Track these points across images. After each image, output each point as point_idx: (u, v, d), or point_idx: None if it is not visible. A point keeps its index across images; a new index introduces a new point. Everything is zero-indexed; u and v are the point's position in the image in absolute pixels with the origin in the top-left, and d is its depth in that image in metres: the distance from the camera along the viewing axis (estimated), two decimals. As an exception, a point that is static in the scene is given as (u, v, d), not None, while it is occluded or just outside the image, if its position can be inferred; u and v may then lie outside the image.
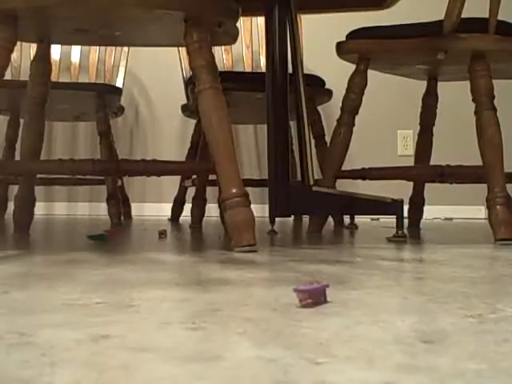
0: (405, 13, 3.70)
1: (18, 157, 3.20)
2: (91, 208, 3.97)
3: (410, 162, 3.53)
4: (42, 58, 1.97)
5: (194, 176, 2.81)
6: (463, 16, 1.86)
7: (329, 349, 0.53)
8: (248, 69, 3.38)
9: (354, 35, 2.04)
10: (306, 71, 2.15)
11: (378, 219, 3.42)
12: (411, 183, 2.65)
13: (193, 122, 3.36)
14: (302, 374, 0.46)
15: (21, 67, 3.34)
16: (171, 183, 3.84)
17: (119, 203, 2.95)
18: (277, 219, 3.10)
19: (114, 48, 3.36)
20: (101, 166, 1.68)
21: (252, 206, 1.54)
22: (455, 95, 3.67)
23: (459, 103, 3.73)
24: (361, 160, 3.80)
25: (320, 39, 3.81)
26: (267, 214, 3.71)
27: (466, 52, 1.90)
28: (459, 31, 1.87)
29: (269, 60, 1.88)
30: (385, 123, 3.85)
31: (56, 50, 3.31)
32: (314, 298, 0.76)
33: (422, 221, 3.28)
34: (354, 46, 2.02)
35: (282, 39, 1.87)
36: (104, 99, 2.91)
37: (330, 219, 3.08)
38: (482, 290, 0.88)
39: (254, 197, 3.79)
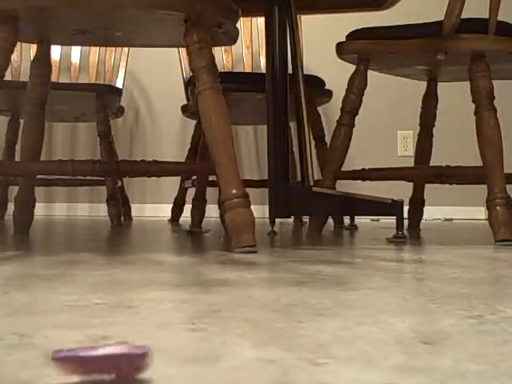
0: (405, 13, 3.70)
1: (18, 157, 3.20)
2: (91, 209, 3.97)
3: (410, 163, 3.53)
4: (42, 58, 1.97)
5: (194, 177, 2.81)
6: (463, 16, 1.86)
7: (329, 350, 0.53)
8: (248, 69, 3.38)
9: (353, 36, 2.04)
10: (305, 72, 2.15)
11: (378, 220, 3.42)
12: (411, 184, 2.65)
13: (193, 122, 3.36)
14: (302, 375, 0.46)
15: (21, 68, 3.34)
16: (171, 184, 3.84)
17: (119, 204, 2.95)
18: (277, 220, 3.10)
19: (113, 49, 3.36)
20: (101, 167, 1.68)
21: (252, 206, 1.54)
22: (455, 96, 3.67)
23: (459, 104, 3.73)
24: (361, 161, 3.80)
25: (320, 39, 3.81)
26: (267, 215, 3.71)
27: (465, 52, 1.90)
28: (459, 32, 1.87)
29: (269, 61, 1.88)
30: (385, 124, 3.85)
31: (56, 51, 3.31)
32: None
33: (422, 221, 3.28)
34: (353, 47, 2.02)
35: (281, 40, 1.87)
36: (104, 100, 2.91)
37: (330, 220, 3.08)
38: (482, 290, 0.88)
39: (253, 197, 3.79)
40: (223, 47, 3.35)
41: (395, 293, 0.86)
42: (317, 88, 2.86)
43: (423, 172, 2.18)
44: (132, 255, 1.39)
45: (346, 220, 2.99)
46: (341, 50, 2.05)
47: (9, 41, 1.58)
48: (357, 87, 2.05)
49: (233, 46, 3.35)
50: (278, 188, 1.85)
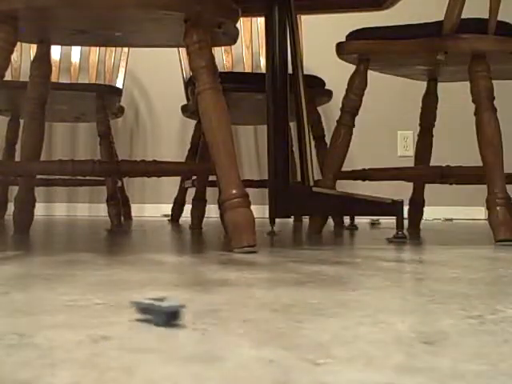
0: (405, 13, 3.70)
1: (18, 157, 3.20)
2: (91, 209, 3.97)
3: (410, 163, 3.53)
4: (42, 58, 1.97)
5: (194, 177, 2.81)
6: (463, 16, 1.86)
7: (329, 350, 0.53)
8: (248, 69, 3.38)
9: (353, 36, 2.04)
10: (305, 72, 2.15)
11: (377, 220, 3.42)
12: (411, 184, 2.65)
13: (193, 122, 3.36)
14: (302, 374, 0.46)
15: (21, 68, 3.33)
16: (171, 184, 3.84)
17: (119, 204, 2.95)
18: (277, 220, 3.10)
19: (113, 49, 3.36)
20: (101, 167, 1.68)
21: (252, 206, 1.54)
22: (455, 96, 3.67)
23: (459, 104, 3.73)
24: (361, 161, 3.80)
25: (320, 39, 3.81)
26: (267, 215, 3.71)
27: (465, 53, 1.90)
28: (459, 32, 1.87)
29: (269, 61, 1.88)
30: (385, 124, 3.85)
31: (56, 51, 3.31)
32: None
33: (422, 221, 3.28)
34: (354, 47, 2.02)
35: (281, 40, 1.87)
36: (104, 100, 2.91)
37: (330, 220, 3.08)
38: (481, 290, 0.88)
39: (253, 198, 3.79)
40: (223, 47, 3.35)
41: (395, 293, 0.86)
42: (317, 88, 2.86)
43: (423, 172, 2.18)
44: (132, 255, 1.39)
45: (346, 220, 2.99)
46: (341, 49, 2.05)
47: (9, 41, 1.58)
48: (357, 87, 2.05)
49: (233, 46, 3.35)
50: (278, 188, 1.85)
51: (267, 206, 3.80)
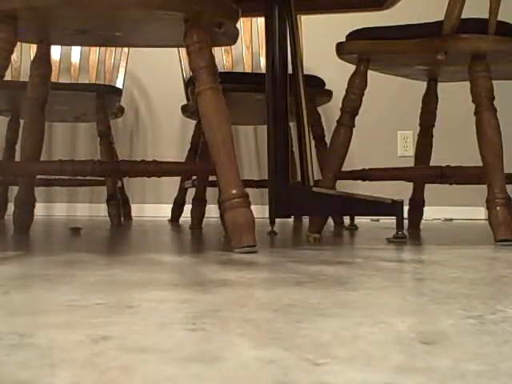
0: (405, 13, 3.70)
1: (18, 157, 3.20)
2: (91, 209, 3.97)
3: (410, 163, 3.53)
4: (42, 58, 1.97)
5: (194, 177, 2.80)
6: (463, 16, 1.86)
7: (329, 350, 0.53)
8: (248, 70, 3.38)
9: (353, 36, 2.04)
10: (305, 72, 2.15)
11: (378, 220, 3.42)
12: (411, 184, 2.65)
13: (193, 122, 3.36)
14: (302, 375, 0.46)
15: (21, 68, 3.34)
16: (171, 184, 3.84)
17: (119, 204, 2.95)
18: (277, 220, 3.09)
19: (113, 49, 3.36)
20: (101, 167, 1.68)
21: (252, 206, 1.54)
22: (455, 96, 3.67)
23: (459, 104, 3.73)
24: (361, 161, 3.80)
25: (320, 40, 3.81)
26: (267, 215, 3.71)
27: (465, 53, 1.90)
28: (459, 32, 1.87)
29: (269, 61, 1.88)
30: (385, 124, 3.85)
31: (56, 51, 3.31)
32: None
33: (422, 221, 3.28)
34: (353, 47, 2.02)
35: (281, 40, 1.87)
36: (104, 100, 2.91)
37: (330, 220, 3.08)
38: (482, 290, 0.88)
39: (253, 198, 3.79)
40: (223, 47, 3.35)
41: (395, 293, 0.86)
42: (317, 88, 2.86)
43: (423, 172, 2.18)
44: (132, 255, 1.39)
45: (346, 220, 2.99)
46: (341, 49, 2.05)
47: (9, 41, 1.57)
48: (357, 87, 2.05)
49: (233, 46, 3.35)
50: (278, 188, 1.85)
51: (267, 206, 3.80)
